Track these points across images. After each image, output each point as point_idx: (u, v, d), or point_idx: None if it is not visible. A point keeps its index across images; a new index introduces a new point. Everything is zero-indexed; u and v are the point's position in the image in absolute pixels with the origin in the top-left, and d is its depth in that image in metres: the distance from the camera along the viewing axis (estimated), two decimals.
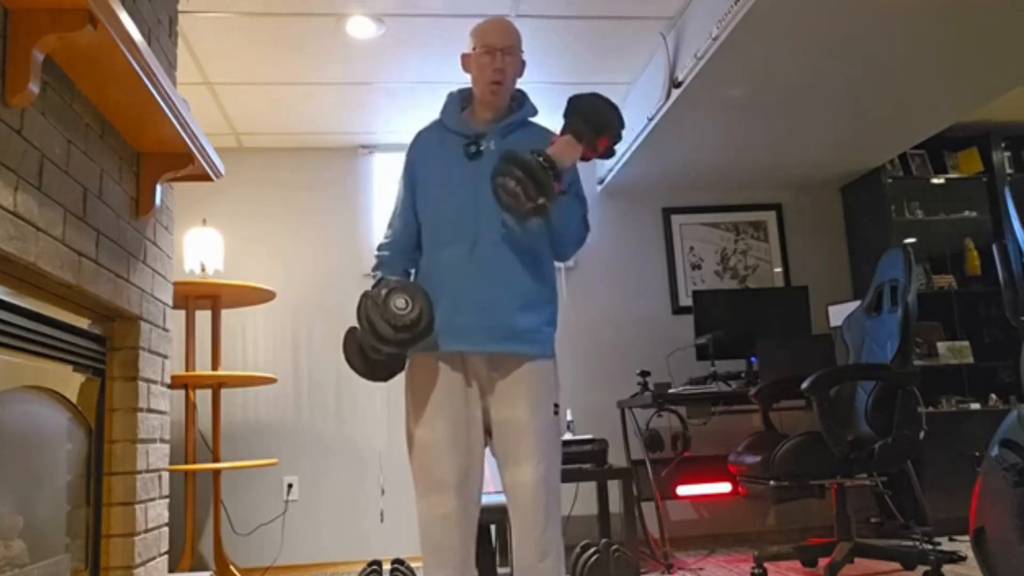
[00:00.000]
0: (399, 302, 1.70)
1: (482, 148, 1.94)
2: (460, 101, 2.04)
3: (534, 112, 2.08)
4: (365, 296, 1.75)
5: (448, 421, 1.87)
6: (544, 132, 2.04)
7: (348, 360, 1.91)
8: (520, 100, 2.06)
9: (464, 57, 2.00)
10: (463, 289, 1.88)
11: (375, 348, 1.79)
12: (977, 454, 3.77)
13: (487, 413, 1.91)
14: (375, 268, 2.02)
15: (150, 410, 2.34)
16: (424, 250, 1.97)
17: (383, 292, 1.70)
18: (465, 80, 2.04)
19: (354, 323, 1.83)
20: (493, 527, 3.18)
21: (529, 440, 1.85)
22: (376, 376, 1.90)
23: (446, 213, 1.92)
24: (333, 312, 4.17)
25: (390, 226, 2.05)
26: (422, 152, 2.01)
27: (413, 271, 2.04)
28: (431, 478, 1.85)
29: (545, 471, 1.84)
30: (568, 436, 3.42)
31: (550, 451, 1.87)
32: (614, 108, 1.87)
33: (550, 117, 4.07)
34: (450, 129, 1.99)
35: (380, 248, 2.04)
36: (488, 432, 1.93)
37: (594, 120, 1.84)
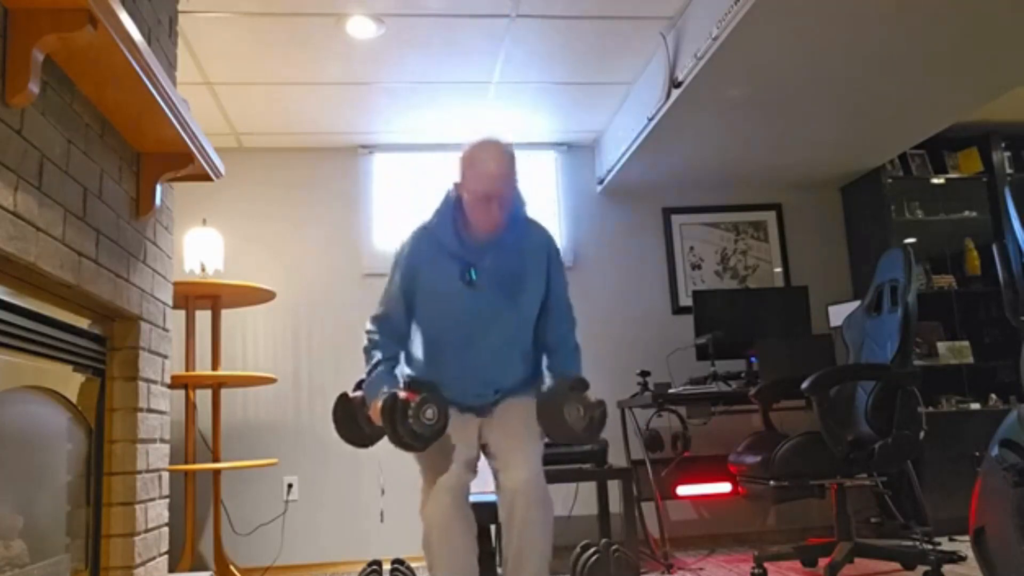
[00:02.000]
0: (429, 413, 1.86)
1: (478, 274, 2.04)
2: (452, 213, 2.06)
3: (524, 206, 2.15)
4: (395, 402, 1.88)
5: (452, 439, 2.06)
6: (533, 232, 2.14)
7: (338, 430, 2.07)
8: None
9: (457, 184, 2.04)
10: (466, 382, 2.10)
11: (376, 436, 2.09)
12: (977, 454, 3.77)
13: (481, 429, 2.12)
14: (371, 348, 2.10)
15: (150, 410, 2.34)
16: (423, 343, 2.12)
17: (415, 407, 1.86)
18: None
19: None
20: (493, 527, 3.17)
21: (521, 446, 2.03)
22: (364, 446, 2.14)
23: (445, 332, 2.08)
24: (333, 312, 4.16)
25: (383, 305, 2.13)
26: (418, 264, 2.07)
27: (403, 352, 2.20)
28: (438, 475, 2.01)
29: (537, 471, 2.01)
30: None
31: (538, 454, 2.06)
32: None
33: (549, 117, 4.10)
34: (445, 247, 2.05)
35: (374, 328, 2.12)
36: (483, 451, 2.13)
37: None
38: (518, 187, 2.08)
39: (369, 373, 2.07)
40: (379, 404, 1.90)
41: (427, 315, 2.09)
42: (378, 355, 2.07)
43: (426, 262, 2.06)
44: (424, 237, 2.08)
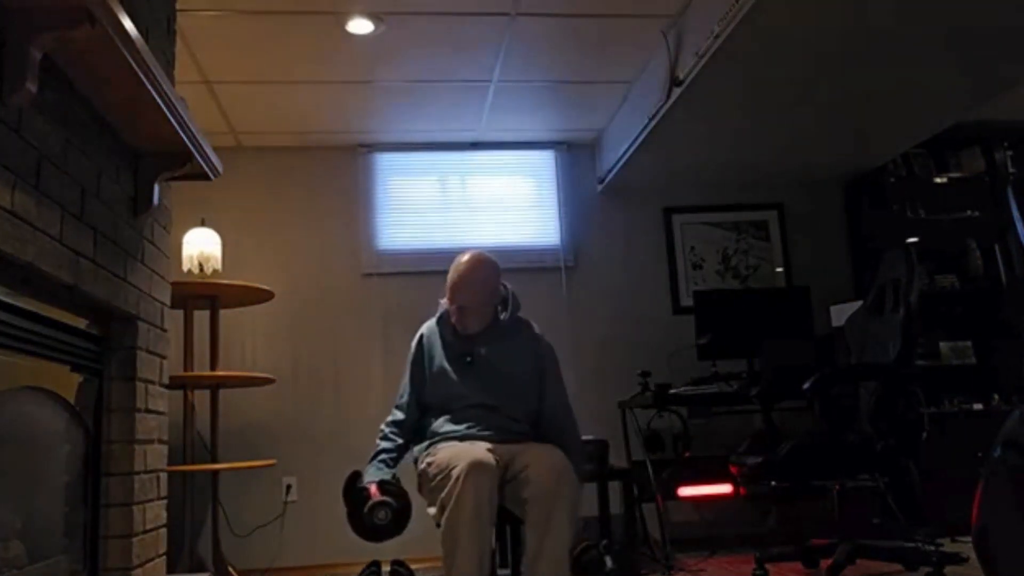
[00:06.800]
0: (380, 514, 2.21)
1: (473, 358, 2.41)
2: (447, 315, 2.46)
3: (518, 309, 2.50)
4: (361, 495, 2.24)
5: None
6: (526, 333, 2.49)
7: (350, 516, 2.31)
8: (504, 302, 2.47)
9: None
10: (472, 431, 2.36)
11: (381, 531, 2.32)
12: (980, 455, 3.75)
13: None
14: (380, 440, 2.45)
15: (148, 410, 2.33)
16: (436, 411, 2.44)
17: (370, 505, 2.21)
18: None
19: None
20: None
21: (549, 449, 2.29)
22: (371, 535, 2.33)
23: (449, 407, 2.39)
24: (332, 312, 4.15)
25: (398, 404, 2.50)
26: (426, 351, 2.48)
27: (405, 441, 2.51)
28: (474, 459, 2.15)
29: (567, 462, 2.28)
30: None
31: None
32: None
33: (549, 115, 4.09)
34: (445, 339, 2.46)
35: (390, 425, 2.46)
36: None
37: None
38: (505, 294, 2.46)
39: (370, 461, 2.39)
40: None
41: (437, 389, 2.43)
42: (380, 445, 2.42)
43: (433, 347, 2.47)
44: (429, 332, 2.50)
